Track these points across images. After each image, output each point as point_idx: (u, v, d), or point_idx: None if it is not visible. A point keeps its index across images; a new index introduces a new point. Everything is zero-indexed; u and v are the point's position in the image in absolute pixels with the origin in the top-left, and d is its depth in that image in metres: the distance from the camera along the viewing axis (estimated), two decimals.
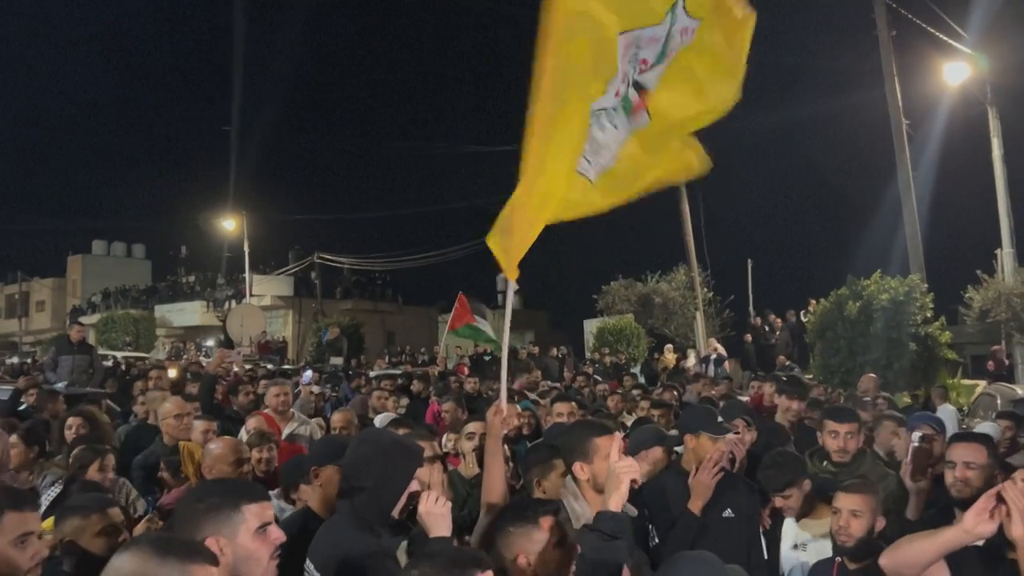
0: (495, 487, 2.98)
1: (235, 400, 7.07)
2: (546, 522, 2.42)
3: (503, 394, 3.25)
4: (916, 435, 3.97)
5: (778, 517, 3.93)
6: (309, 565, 2.62)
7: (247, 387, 7.11)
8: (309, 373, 9.08)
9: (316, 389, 9.61)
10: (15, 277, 50.55)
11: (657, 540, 3.59)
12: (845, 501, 3.33)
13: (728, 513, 3.65)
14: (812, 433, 5.11)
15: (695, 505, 3.54)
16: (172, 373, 7.91)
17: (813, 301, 17.98)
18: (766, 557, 3.79)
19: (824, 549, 3.62)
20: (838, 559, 3.37)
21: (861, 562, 3.27)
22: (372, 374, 13.77)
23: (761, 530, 3.86)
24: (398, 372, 13.50)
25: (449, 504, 2.64)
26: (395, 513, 2.68)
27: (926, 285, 14.36)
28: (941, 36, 15.88)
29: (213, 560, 1.70)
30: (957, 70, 16.82)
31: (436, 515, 2.57)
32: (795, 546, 3.79)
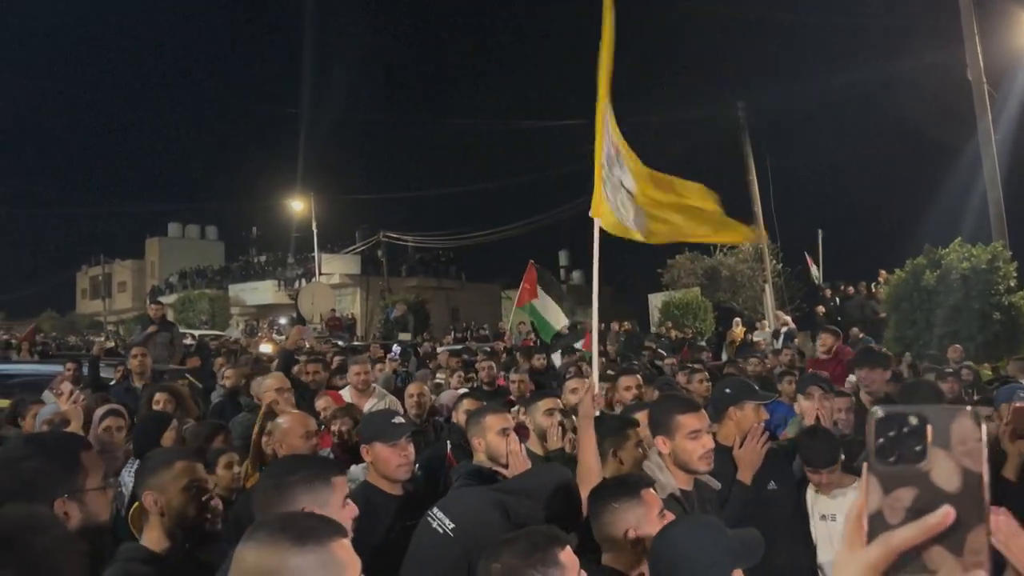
0: (592, 464, 2.99)
1: (304, 378, 7.10)
2: (648, 495, 2.47)
3: (595, 375, 3.31)
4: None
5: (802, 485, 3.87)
6: (439, 514, 2.70)
7: (315, 366, 7.11)
8: (397, 348, 9.28)
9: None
10: (98, 260, 52.81)
11: None
12: None
13: (772, 485, 3.61)
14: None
15: (745, 476, 3.48)
16: (268, 349, 7.95)
17: (883, 272, 17.40)
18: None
19: None
20: None
21: None
22: (439, 349, 13.96)
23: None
24: (459, 348, 13.54)
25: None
26: None
27: (1010, 252, 13.73)
28: None
29: (345, 532, 1.63)
30: None
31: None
32: (823, 517, 3.74)
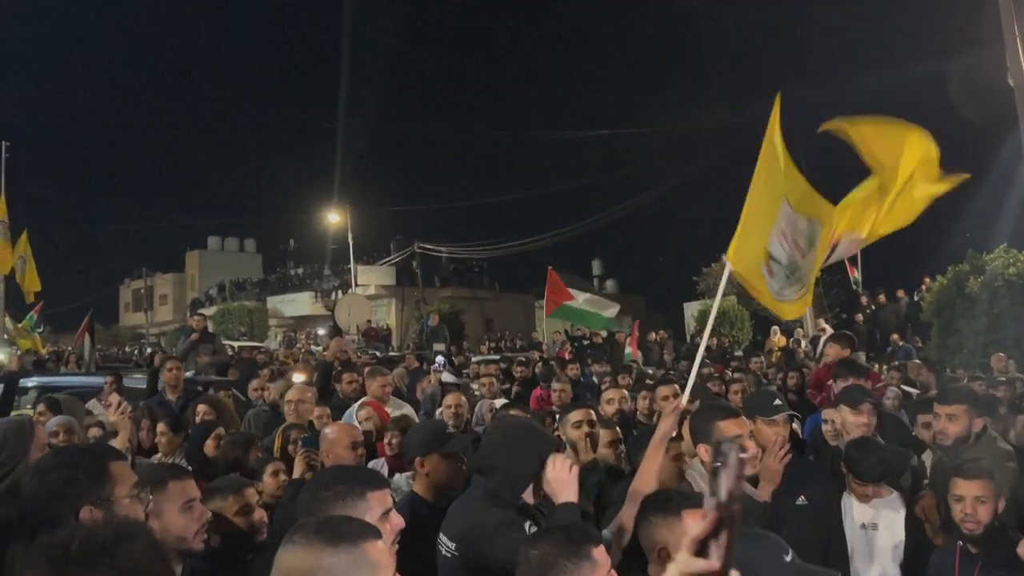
0: (649, 479, 2.96)
1: (339, 388, 7.16)
2: (690, 516, 2.40)
3: (688, 389, 3.29)
4: None
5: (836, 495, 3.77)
6: (443, 537, 2.76)
7: (352, 375, 7.18)
8: (440, 359, 9.33)
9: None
10: (140, 273, 53.92)
11: None
12: (968, 488, 3.22)
13: (802, 500, 3.52)
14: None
15: (764, 491, 3.42)
16: (300, 378, 7.84)
17: (928, 279, 17.06)
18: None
19: (896, 529, 3.56)
20: (959, 544, 3.27)
21: (984, 547, 3.18)
22: (474, 359, 14.05)
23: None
24: (496, 358, 13.58)
25: (576, 470, 2.72)
26: (525, 497, 2.77)
27: None
28: None
29: (379, 534, 1.71)
30: None
31: (563, 480, 2.65)
32: (863, 526, 3.67)
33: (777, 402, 3.78)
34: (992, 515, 3.18)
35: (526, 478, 2.73)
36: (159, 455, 5.08)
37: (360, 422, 5.57)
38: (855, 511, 3.72)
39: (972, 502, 3.19)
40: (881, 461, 3.70)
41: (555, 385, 7.41)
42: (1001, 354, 10.39)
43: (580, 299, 12.68)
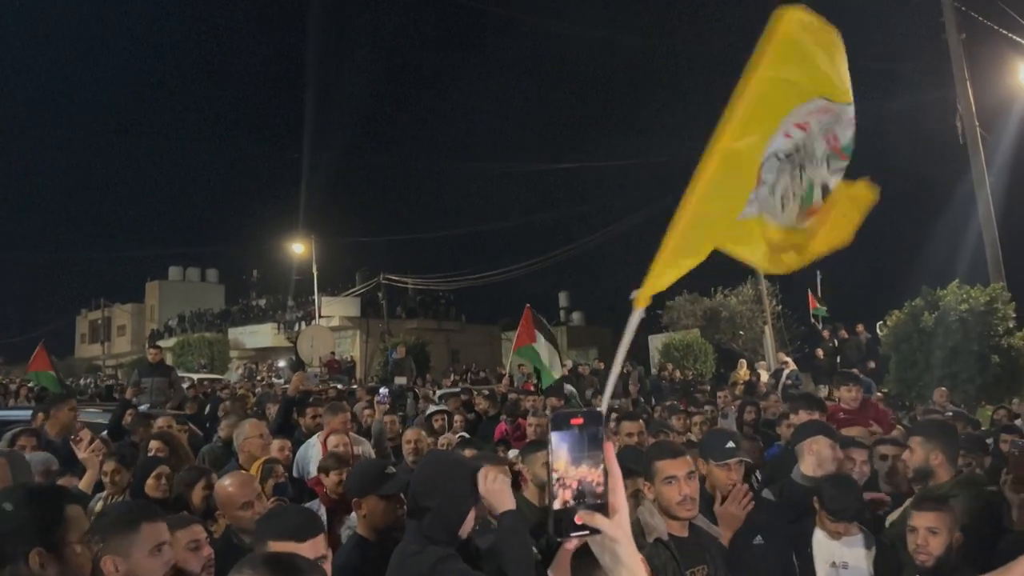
0: None
1: (302, 422, 7.10)
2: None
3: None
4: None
5: (806, 532, 3.74)
6: None
7: (315, 409, 7.09)
8: (384, 391, 9.21)
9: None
10: (97, 303, 52.81)
11: None
12: (921, 519, 3.26)
13: (758, 540, 3.51)
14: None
15: (724, 536, 3.44)
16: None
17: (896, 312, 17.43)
18: None
19: (865, 568, 3.54)
20: None
21: None
22: (438, 392, 13.95)
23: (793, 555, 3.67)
24: (457, 390, 13.49)
25: (507, 480, 2.69)
26: (462, 533, 2.71)
27: (1008, 294, 13.73)
28: (1015, 37, 15.29)
29: (324, 574, 1.75)
30: None
31: (496, 491, 2.63)
32: (833, 564, 3.63)
33: (729, 445, 3.70)
34: (944, 547, 3.21)
35: (461, 515, 2.67)
36: (105, 492, 4.87)
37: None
38: (825, 548, 3.66)
39: (924, 533, 3.22)
40: (856, 499, 3.70)
41: (531, 419, 7.32)
42: (943, 388, 10.62)
43: (541, 345, 12.87)
